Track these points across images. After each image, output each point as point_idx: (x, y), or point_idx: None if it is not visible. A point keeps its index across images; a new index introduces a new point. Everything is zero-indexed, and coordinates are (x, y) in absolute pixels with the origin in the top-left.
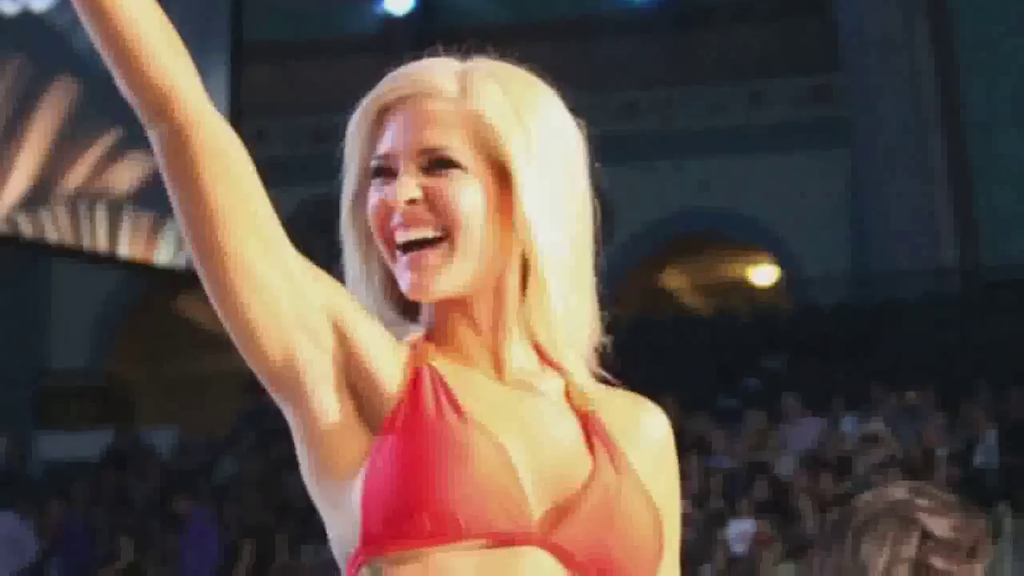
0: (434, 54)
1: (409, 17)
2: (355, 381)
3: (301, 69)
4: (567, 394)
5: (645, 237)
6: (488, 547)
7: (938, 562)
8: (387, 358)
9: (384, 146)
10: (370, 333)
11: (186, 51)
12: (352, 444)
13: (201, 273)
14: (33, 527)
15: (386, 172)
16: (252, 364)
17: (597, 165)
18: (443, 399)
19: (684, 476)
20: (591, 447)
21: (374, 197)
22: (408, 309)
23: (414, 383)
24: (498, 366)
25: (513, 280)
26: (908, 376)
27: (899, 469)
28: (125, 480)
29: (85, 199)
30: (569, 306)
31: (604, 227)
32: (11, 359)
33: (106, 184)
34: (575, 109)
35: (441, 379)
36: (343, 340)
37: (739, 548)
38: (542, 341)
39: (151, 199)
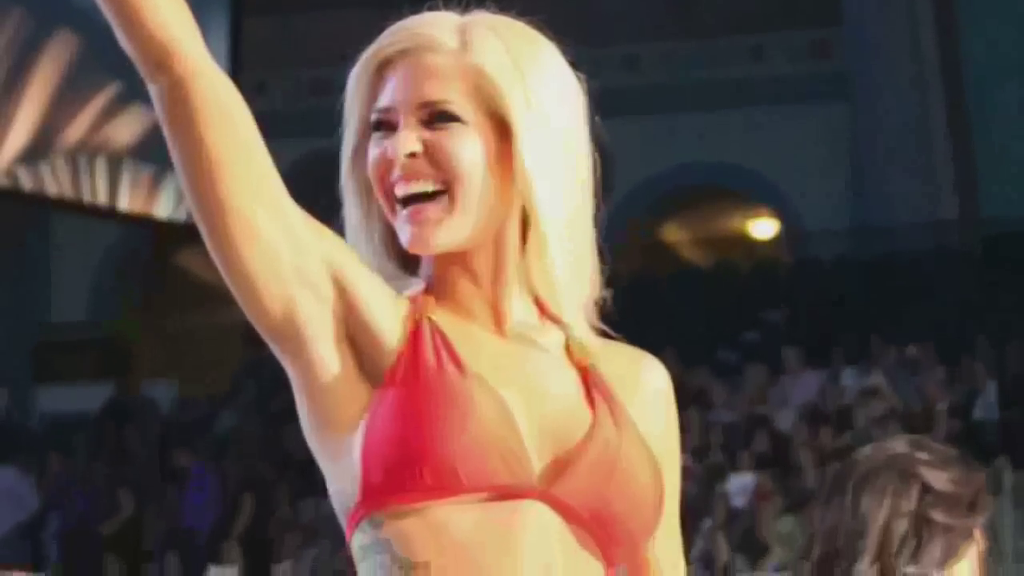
0: (434, 8)
1: None
2: (355, 334)
3: (301, 22)
4: (567, 348)
5: (645, 191)
6: (488, 501)
7: (938, 516)
8: (387, 311)
9: (384, 100)
10: (370, 286)
11: (186, 4)
12: (352, 398)
13: (201, 226)
14: (33, 481)
15: (386, 126)
16: (252, 318)
17: (597, 119)
18: (443, 353)
19: (684, 430)
20: (591, 401)
21: (374, 151)
22: (408, 263)
23: (414, 337)
24: (498, 320)
25: (513, 234)
26: (908, 330)
27: (899, 423)
28: (125, 434)
29: (85, 153)
30: (569, 260)
31: (604, 181)
32: (10, 313)
33: (106, 138)
34: (575, 63)
35: (441, 333)
36: (343, 293)
37: (739, 501)
38: (542, 295)
39: (151, 153)
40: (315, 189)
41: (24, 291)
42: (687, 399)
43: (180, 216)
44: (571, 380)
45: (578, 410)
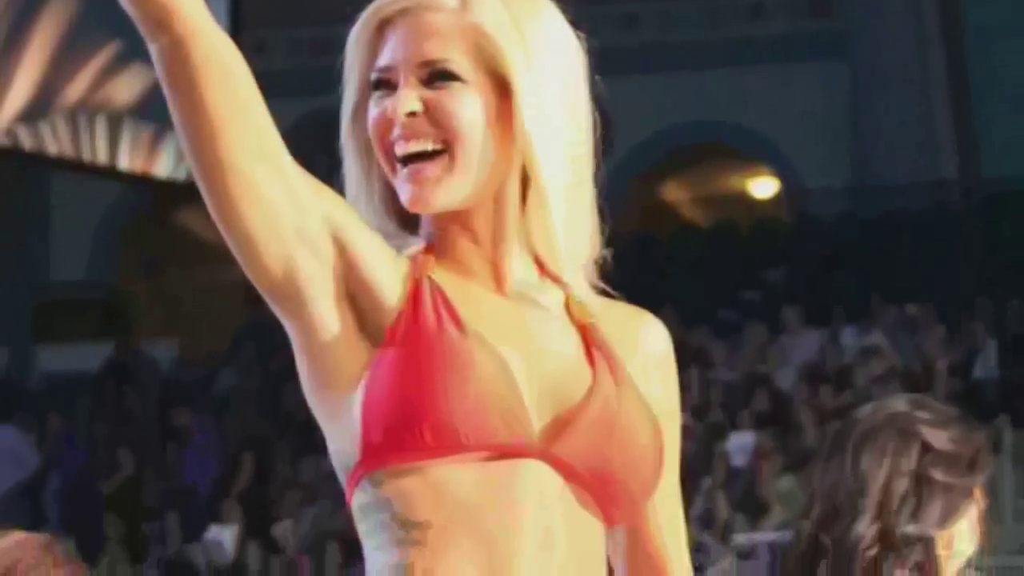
0: None
1: None
2: (355, 293)
3: None
4: (567, 306)
5: (644, 150)
6: (488, 459)
7: (938, 474)
8: (387, 270)
9: (384, 59)
10: (370, 245)
11: None
12: (352, 356)
13: (201, 185)
14: (33, 440)
15: (386, 85)
16: (252, 277)
17: (597, 77)
18: (443, 312)
19: (684, 388)
20: (591, 359)
21: (374, 110)
22: (408, 222)
23: (414, 295)
24: (498, 279)
25: (513, 193)
26: (908, 289)
27: (899, 382)
28: (125, 393)
29: (85, 112)
30: (569, 219)
31: (604, 140)
32: (10, 272)
33: (106, 97)
34: (575, 21)
35: (441, 292)
36: (343, 252)
37: (739, 460)
38: (542, 254)
39: (151, 111)
40: (315, 148)
41: (24, 250)
42: (687, 358)
43: (180, 175)
44: (571, 339)
45: (578, 369)
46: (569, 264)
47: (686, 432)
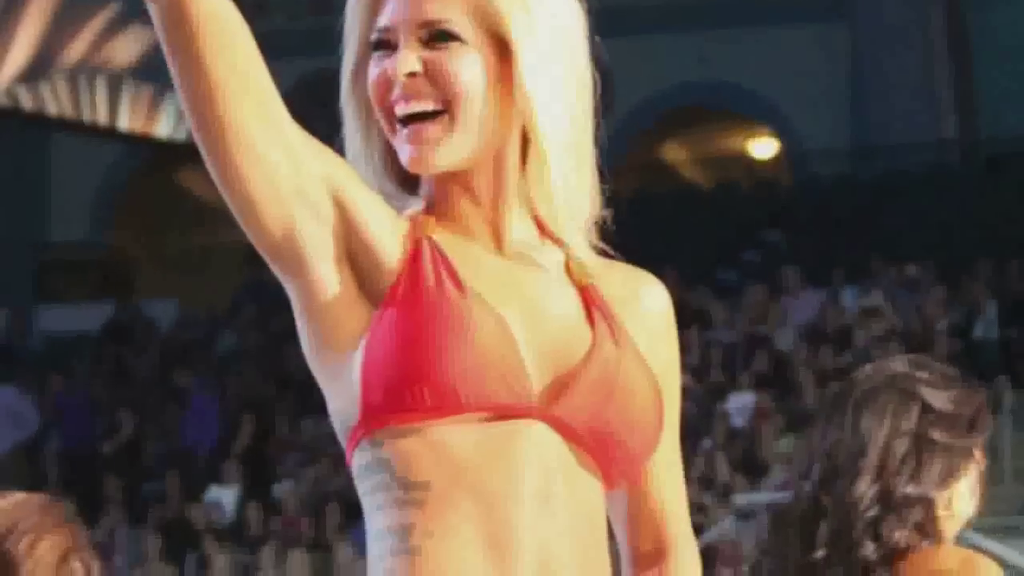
0: None
1: None
2: (355, 254)
3: None
4: (567, 267)
5: (645, 110)
6: (488, 420)
7: (938, 435)
8: (387, 231)
9: (384, 19)
10: (370, 206)
11: None
12: (352, 317)
13: (201, 146)
14: (33, 400)
15: (386, 45)
16: (252, 237)
17: (596, 38)
18: (443, 272)
19: (684, 349)
20: (591, 320)
21: (374, 70)
22: (408, 182)
23: (414, 256)
24: (498, 239)
25: (513, 153)
26: (908, 249)
27: (899, 342)
28: (125, 353)
29: (85, 72)
30: (569, 179)
31: (603, 100)
32: (11, 232)
33: (106, 57)
34: None
35: (441, 252)
36: (343, 213)
37: (739, 421)
38: (542, 214)
39: (151, 72)
40: (315, 109)
41: (24, 211)
42: (687, 319)
43: (180, 135)
44: (571, 299)
45: (578, 329)
46: (569, 225)
47: (686, 393)
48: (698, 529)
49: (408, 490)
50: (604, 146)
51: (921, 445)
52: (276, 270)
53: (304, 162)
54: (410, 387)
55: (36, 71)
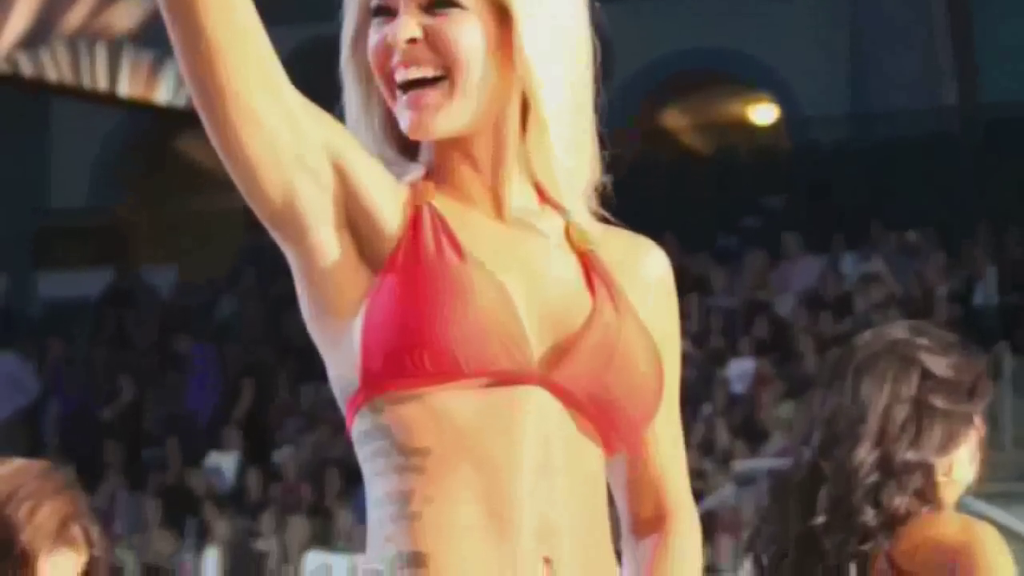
0: None
1: None
2: (355, 220)
3: None
4: (567, 233)
5: (645, 76)
6: (488, 386)
7: (938, 401)
8: (387, 197)
9: None
10: (370, 172)
11: None
12: (352, 283)
13: (201, 112)
14: (33, 366)
15: (386, 11)
16: (253, 203)
17: (596, 4)
18: (443, 238)
19: (684, 315)
20: (591, 286)
21: (374, 37)
22: (408, 149)
23: (414, 222)
24: (498, 205)
25: (513, 120)
26: (908, 215)
27: (899, 308)
28: (125, 319)
29: (85, 38)
30: (569, 145)
31: (604, 66)
32: (10, 199)
33: (106, 23)
34: None
35: (441, 218)
36: (343, 179)
37: (739, 387)
38: (542, 181)
39: (151, 38)
40: (315, 75)
41: (24, 177)
42: (687, 285)
43: (180, 101)
44: (571, 266)
45: (578, 296)
46: (569, 191)
47: (686, 359)
48: (698, 495)
49: (408, 456)
50: (603, 111)
51: (921, 411)
52: (276, 236)
53: (304, 128)
54: (410, 353)
55: (36, 37)
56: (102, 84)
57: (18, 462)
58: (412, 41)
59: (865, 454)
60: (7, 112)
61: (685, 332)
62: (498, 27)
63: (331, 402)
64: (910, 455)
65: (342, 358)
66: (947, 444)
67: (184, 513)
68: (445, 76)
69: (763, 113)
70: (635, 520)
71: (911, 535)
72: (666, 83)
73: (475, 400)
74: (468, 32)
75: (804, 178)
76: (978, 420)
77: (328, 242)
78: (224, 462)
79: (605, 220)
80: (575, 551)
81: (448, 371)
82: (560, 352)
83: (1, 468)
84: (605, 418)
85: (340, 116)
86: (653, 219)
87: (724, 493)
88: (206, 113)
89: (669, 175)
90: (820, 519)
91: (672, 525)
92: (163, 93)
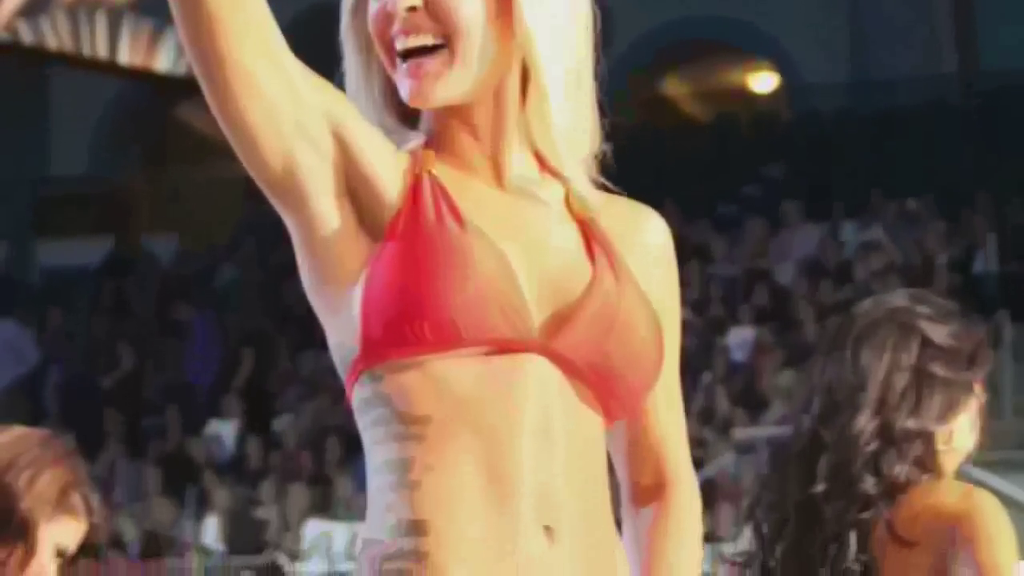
0: None
1: None
2: (355, 188)
3: None
4: (567, 201)
5: (644, 44)
6: (488, 354)
7: (938, 369)
8: (387, 165)
9: None
10: (370, 140)
11: None
12: (352, 251)
13: (201, 81)
14: (33, 335)
15: None
16: (252, 172)
17: None
18: (443, 206)
19: (684, 284)
20: (591, 254)
21: (374, 5)
22: (408, 117)
23: (414, 190)
24: (498, 174)
25: (513, 88)
26: (908, 183)
27: (899, 277)
28: (125, 288)
29: (85, 6)
30: (569, 113)
31: (603, 34)
32: (10, 167)
33: None
34: None
35: (441, 186)
36: (343, 147)
37: (739, 355)
38: (542, 149)
39: (151, 6)
40: (315, 43)
41: (24, 145)
42: (687, 253)
43: (180, 70)
44: (571, 234)
45: (578, 264)
46: (569, 159)
47: (686, 327)
48: (698, 463)
49: (408, 424)
50: (603, 79)
51: (921, 379)
52: (276, 205)
53: (304, 97)
54: (410, 321)
55: (36, 5)
56: (102, 52)
57: (18, 430)
58: (412, 9)
59: (865, 422)
60: (7, 81)
61: (685, 300)
62: None
63: (331, 370)
64: (910, 423)
65: (342, 326)
66: (947, 412)
67: (184, 481)
68: (445, 44)
69: (763, 81)
70: (635, 488)
71: (911, 503)
72: (666, 51)
73: (475, 368)
74: (468, 0)
75: (804, 146)
76: (978, 388)
77: (328, 210)
78: (224, 430)
79: (605, 188)
80: (575, 519)
81: (448, 339)
82: (560, 320)
83: (1, 436)
84: (605, 386)
85: (340, 85)
86: (653, 187)
87: (724, 461)
88: (206, 81)
89: (669, 143)
90: (820, 487)
91: (672, 493)
92: (163, 62)
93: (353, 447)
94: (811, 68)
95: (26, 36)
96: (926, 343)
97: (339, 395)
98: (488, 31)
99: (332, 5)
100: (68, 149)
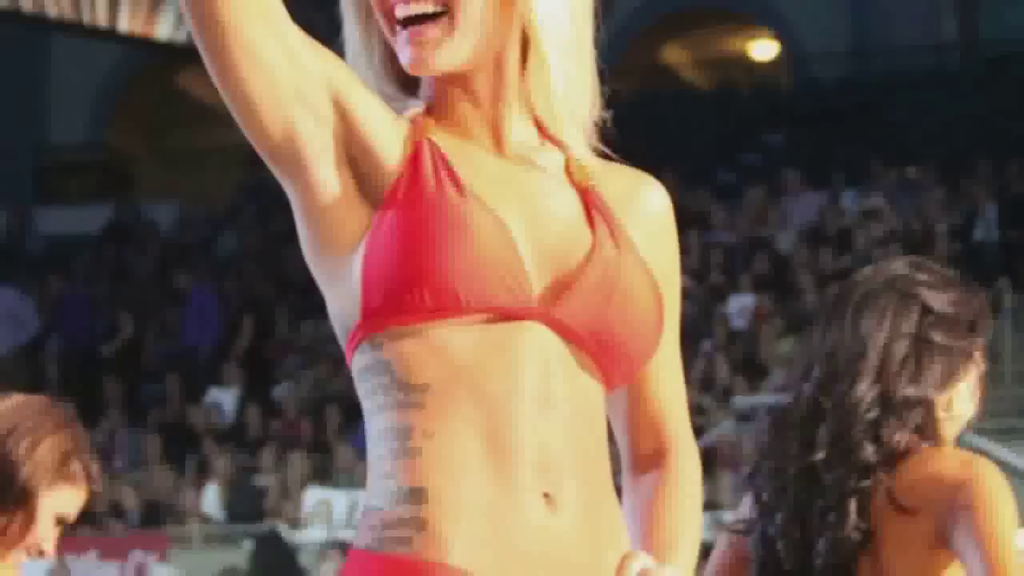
0: None
1: None
2: (355, 155)
3: None
4: (567, 169)
5: (645, 11)
6: (488, 322)
7: (938, 337)
8: (387, 132)
9: None
10: (369, 107)
11: None
12: (352, 218)
13: (201, 47)
14: (33, 301)
15: None
16: (252, 139)
17: None
18: (443, 173)
19: (684, 251)
20: (591, 222)
21: None
22: (408, 85)
23: (414, 157)
24: (498, 140)
25: (513, 55)
26: (908, 151)
27: (899, 244)
28: (125, 254)
29: None
30: (569, 80)
31: (603, 1)
32: (11, 133)
33: None
34: None
35: (441, 153)
36: (343, 114)
37: (739, 323)
38: (542, 116)
39: None
40: (315, 10)
41: (25, 113)
42: (687, 221)
43: (180, 37)
44: (571, 201)
45: (578, 231)
46: (569, 126)
47: (685, 295)
48: (698, 431)
49: (408, 392)
50: (604, 47)
51: (921, 347)
52: (276, 172)
53: (304, 64)
54: (410, 289)
55: None
56: (102, 20)
57: (18, 398)
58: None
59: (865, 390)
60: (8, 48)
61: (685, 268)
62: None
63: (331, 338)
64: (910, 391)
65: (342, 293)
66: (947, 380)
67: (184, 449)
68: (445, 11)
69: (764, 49)
70: (635, 455)
71: (911, 471)
72: (666, 18)
73: (475, 336)
74: None
75: (804, 114)
76: (978, 356)
77: (328, 178)
78: (224, 398)
79: (605, 156)
80: (575, 486)
81: (448, 307)
82: (560, 288)
83: (1, 404)
84: (605, 354)
85: (340, 52)
86: (653, 154)
87: (724, 429)
88: (206, 48)
89: (670, 111)
90: (820, 455)
91: (672, 460)
92: (163, 29)
93: (353, 415)
94: (812, 36)
95: (27, 4)
96: (926, 311)
97: (339, 363)
98: None
99: None
100: (68, 116)
